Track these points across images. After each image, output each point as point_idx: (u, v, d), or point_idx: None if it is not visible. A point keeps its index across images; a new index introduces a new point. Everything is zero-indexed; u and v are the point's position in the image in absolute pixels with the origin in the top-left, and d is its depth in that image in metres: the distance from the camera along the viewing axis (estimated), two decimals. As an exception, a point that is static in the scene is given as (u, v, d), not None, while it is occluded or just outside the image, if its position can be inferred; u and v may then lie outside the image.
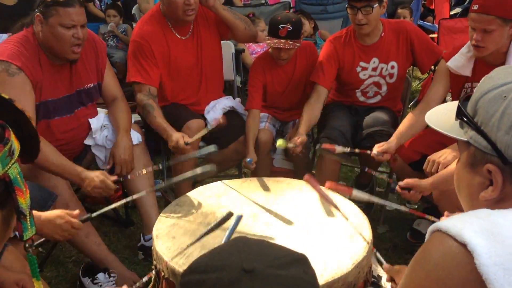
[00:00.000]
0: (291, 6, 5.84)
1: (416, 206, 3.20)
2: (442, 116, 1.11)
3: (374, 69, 2.83)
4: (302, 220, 1.84)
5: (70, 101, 2.54)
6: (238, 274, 0.74)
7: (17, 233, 1.05)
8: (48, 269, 2.64)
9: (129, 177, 2.51)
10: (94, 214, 1.94)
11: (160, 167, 2.55)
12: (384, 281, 1.76)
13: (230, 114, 3.01)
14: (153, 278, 1.75)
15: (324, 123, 2.88)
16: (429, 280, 0.90)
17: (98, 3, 6.08)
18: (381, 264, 1.67)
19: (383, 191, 3.18)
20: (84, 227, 2.39)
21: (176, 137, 2.56)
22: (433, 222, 1.37)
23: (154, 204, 2.64)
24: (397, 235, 2.90)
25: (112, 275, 2.40)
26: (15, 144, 1.00)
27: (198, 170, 2.01)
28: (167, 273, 1.61)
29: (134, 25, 4.66)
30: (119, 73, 4.62)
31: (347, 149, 2.50)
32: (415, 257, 0.96)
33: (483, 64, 2.42)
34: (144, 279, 1.73)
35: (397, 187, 2.20)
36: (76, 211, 1.87)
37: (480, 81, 1.02)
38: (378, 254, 1.73)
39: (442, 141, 2.42)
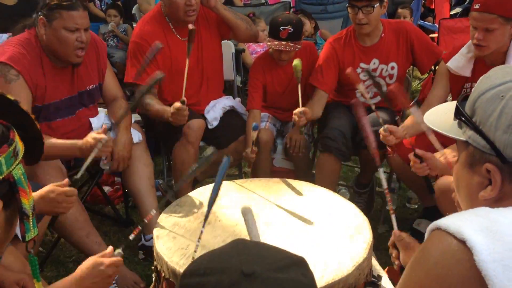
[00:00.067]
0: (291, 6, 5.84)
1: (416, 206, 3.21)
2: (440, 116, 1.12)
3: (374, 70, 2.83)
4: (302, 221, 1.84)
5: (72, 103, 2.54)
6: (237, 277, 0.74)
7: (18, 233, 1.06)
8: (48, 269, 2.64)
9: (146, 220, 2.48)
10: (78, 175, 1.89)
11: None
12: (384, 281, 1.76)
13: (230, 113, 3.02)
14: (153, 278, 1.76)
15: (324, 123, 2.88)
16: (429, 277, 0.90)
17: (99, 3, 6.08)
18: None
19: (383, 191, 3.18)
20: (84, 227, 2.40)
21: (172, 106, 2.54)
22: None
23: (154, 204, 2.64)
24: (397, 235, 2.89)
25: (112, 275, 2.40)
26: (20, 145, 1.01)
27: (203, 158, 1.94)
28: (168, 273, 1.61)
29: (134, 25, 4.66)
30: (119, 73, 4.62)
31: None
32: (414, 256, 0.96)
33: (483, 65, 2.42)
34: (131, 236, 1.66)
35: (411, 155, 2.07)
36: (65, 180, 1.81)
37: (478, 81, 1.02)
38: (393, 218, 1.69)
39: (441, 141, 2.41)
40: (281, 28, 2.75)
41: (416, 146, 2.59)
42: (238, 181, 2.20)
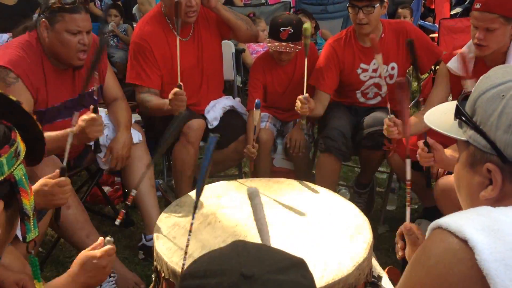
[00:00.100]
0: (292, 6, 5.84)
1: (416, 206, 3.21)
2: (441, 116, 1.12)
3: (375, 71, 2.83)
4: (302, 221, 1.84)
5: (73, 105, 2.54)
6: (237, 279, 0.74)
7: (18, 234, 1.06)
8: (48, 269, 2.64)
9: (128, 203, 2.46)
10: (64, 163, 1.81)
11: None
12: (384, 282, 1.76)
13: (230, 113, 3.02)
14: (153, 279, 1.75)
15: (324, 123, 2.88)
16: (429, 276, 0.90)
17: (99, 3, 6.09)
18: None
19: (383, 191, 3.18)
20: (84, 227, 2.40)
21: (169, 94, 2.53)
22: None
23: (155, 204, 2.64)
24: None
25: (112, 275, 2.40)
26: (21, 146, 1.01)
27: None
28: (168, 273, 1.61)
29: (134, 25, 4.66)
30: (119, 73, 4.62)
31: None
32: (415, 254, 0.96)
33: (483, 65, 2.42)
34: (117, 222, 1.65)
35: (420, 142, 2.02)
36: (55, 171, 1.78)
37: (478, 81, 1.02)
38: (408, 210, 1.66)
39: (442, 141, 2.42)
40: (281, 29, 2.75)
41: (416, 147, 2.60)
42: (238, 181, 2.20)
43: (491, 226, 0.88)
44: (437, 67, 2.76)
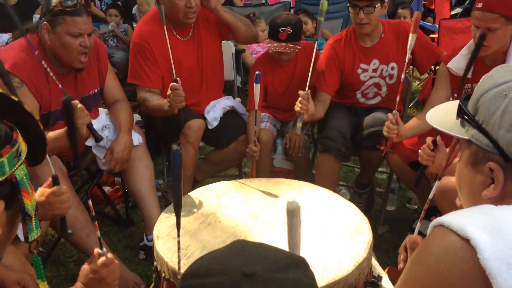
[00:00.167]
0: (292, 6, 5.84)
1: (416, 207, 3.21)
2: (443, 115, 1.12)
3: (375, 71, 2.83)
4: (302, 221, 1.84)
5: None
6: (238, 278, 0.74)
7: (19, 234, 1.06)
8: (48, 269, 2.64)
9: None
10: (53, 171, 1.73)
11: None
12: (384, 282, 1.76)
13: (230, 114, 3.02)
14: (154, 279, 1.76)
15: (324, 124, 2.89)
16: (429, 274, 0.90)
17: (99, 3, 6.09)
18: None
19: (383, 192, 3.19)
20: (84, 227, 2.40)
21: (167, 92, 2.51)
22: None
23: (155, 205, 2.64)
24: (397, 236, 2.90)
25: (112, 275, 2.40)
26: (23, 146, 1.01)
27: None
28: (168, 273, 1.61)
29: (134, 25, 4.66)
30: (119, 73, 4.63)
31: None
32: (416, 252, 0.96)
33: (483, 65, 2.42)
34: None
35: (429, 138, 2.02)
36: (48, 180, 1.72)
37: (480, 80, 1.02)
38: (418, 224, 1.63)
39: (443, 141, 2.42)
40: (280, 29, 2.75)
41: (413, 150, 2.61)
42: (238, 181, 2.21)
43: (493, 224, 0.87)
44: (437, 67, 2.76)
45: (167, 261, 1.61)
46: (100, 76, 2.63)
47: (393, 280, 1.77)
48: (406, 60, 2.45)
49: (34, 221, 1.05)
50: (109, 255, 1.47)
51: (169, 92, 2.49)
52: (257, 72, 2.35)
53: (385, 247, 2.81)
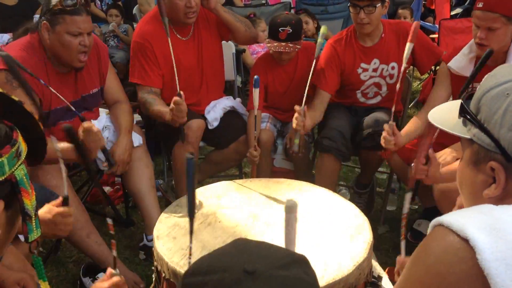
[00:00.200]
0: (292, 6, 5.84)
1: (417, 207, 3.21)
2: (445, 114, 1.12)
3: (375, 70, 2.83)
4: (302, 221, 1.84)
5: (76, 107, 2.54)
6: (240, 275, 0.74)
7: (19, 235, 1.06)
8: (48, 269, 2.64)
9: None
10: (65, 191, 1.70)
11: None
12: (384, 282, 1.76)
13: (230, 114, 3.02)
14: (154, 279, 1.76)
15: (323, 124, 2.89)
16: (429, 274, 0.90)
17: (99, 3, 6.09)
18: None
19: (383, 191, 3.19)
20: (84, 227, 2.40)
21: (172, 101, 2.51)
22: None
23: (155, 205, 2.65)
24: (397, 236, 2.89)
25: (112, 275, 2.40)
26: (22, 146, 1.01)
27: None
28: (168, 274, 1.61)
29: (135, 26, 4.66)
30: (120, 73, 4.62)
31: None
32: (415, 251, 0.96)
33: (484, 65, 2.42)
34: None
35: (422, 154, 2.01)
36: (58, 199, 1.71)
37: (483, 79, 1.02)
38: (403, 244, 1.63)
39: (442, 141, 2.42)
40: (280, 29, 2.75)
41: (416, 148, 2.60)
42: (238, 181, 2.21)
43: (493, 225, 0.87)
44: (437, 67, 2.76)
45: (167, 261, 1.61)
46: (101, 75, 2.64)
47: (393, 280, 1.77)
48: (402, 69, 2.46)
49: (34, 221, 1.05)
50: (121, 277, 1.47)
51: (172, 106, 2.49)
52: (255, 77, 2.35)
53: (385, 247, 2.81)
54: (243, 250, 0.80)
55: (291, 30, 2.75)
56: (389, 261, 2.54)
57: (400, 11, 5.52)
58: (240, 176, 3.26)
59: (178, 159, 2.82)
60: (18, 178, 0.99)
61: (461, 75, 2.48)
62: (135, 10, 5.64)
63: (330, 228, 1.78)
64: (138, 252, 2.74)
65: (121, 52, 5.23)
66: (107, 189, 3.32)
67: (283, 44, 2.76)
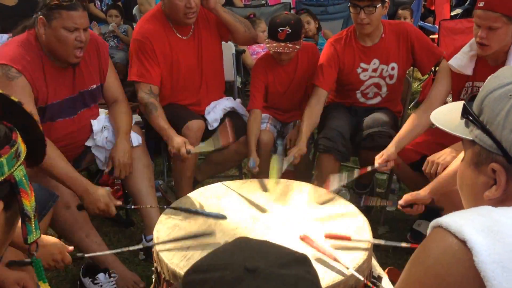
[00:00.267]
0: (292, 7, 5.84)
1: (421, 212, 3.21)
2: (447, 115, 1.12)
3: (375, 70, 2.83)
4: (302, 221, 1.84)
5: (74, 103, 2.54)
6: (241, 273, 0.74)
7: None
8: (48, 269, 2.64)
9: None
10: (87, 255, 1.89)
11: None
12: (384, 282, 1.76)
13: (230, 115, 3.02)
14: (153, 280, 1.76)
15: (323, 124, 2.89)
16: (428, 275, 0.90)
17: (99, 3, 6.09)
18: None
19: (383, 192, 3.18)
20: (84, 227, 2.40)
21: (178, 143, 2.58)
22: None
23: (155, 205, 2.64)
24: (397, 236, 2.90)
25: (112, 275, 2.40)
26: (22, 147, 1.01)
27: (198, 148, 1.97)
28: (168, 275, 1.61)
29: (134, 26, 4.66)
30: (120, 73, 4.60)
31: (343, 182, 2.32)
32: (415, 253, 0.96)
33: (484, 64, 2.42)
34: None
35: (398, 206, 2.16)
36: (71, 247, 1.82)
37: (486, 80, 1.02)
38: None
39: (441, 141, 2.42)
40: (279, 29, 2.75)
41: (413, 150, 2.61)
42: (238, 181, 2.21)
43: (491, 227, 0.87)
44: (437, 68, 2.76)
45: (167, 262, 1.61)
46: (101, 72, 2.63)
47: (393, 281, 1.77)
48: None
49: (33, 222, 1.04)
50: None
51: (176, 151, 2.58)
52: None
53: (385, 248, 2.80)
54: (244, 248, 0.80)
55: (290, 31, 2.75)
56: (389, 262, 2.54)
57: (400, 11, 5.52)
58: (240, 177, 3.26)
59: (177, 160, 2.82)
60: (17, 179, 0.99)
61: (461, 73, 2.48)
62: (134, 11, 5.64)
63: (330, 229, 1.78)
64: (137, 253, 2.74)
65: (121, 53, 5.22)
66: (107, 189, 3.31)
67: (282, 44, 2.76)
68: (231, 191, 2.08)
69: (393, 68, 2.83)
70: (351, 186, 3.30)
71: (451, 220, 0.91)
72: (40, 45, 2.38)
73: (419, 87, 5.56)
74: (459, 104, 1.06)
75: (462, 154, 1.08)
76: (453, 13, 6.31)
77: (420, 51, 2.80)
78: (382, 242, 1.82)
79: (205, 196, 2.05)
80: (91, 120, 2.64)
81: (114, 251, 1.96)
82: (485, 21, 2.28)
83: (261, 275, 0.74)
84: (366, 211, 2.92)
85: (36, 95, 2.36)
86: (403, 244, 1.82)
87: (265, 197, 2.03)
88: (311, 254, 1.72)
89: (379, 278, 1.77)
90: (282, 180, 2.19)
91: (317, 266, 1.54)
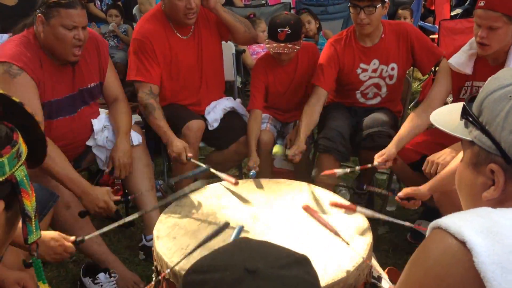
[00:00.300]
0: (292, 6, 5.84)
1: (417, 207, 3.21)
2: (447, 116, 1.12)
3: (374, 71, 2.83)
4: (302, 221, 1.84)
5: (73, 101, 2.54)
6: (241, 274, 0.74)
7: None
8: (48, 269, 2.64)
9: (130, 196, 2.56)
10: (87, 237, 1.86)
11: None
12: (384, 282, 1.76)
13: (230, 115, 3.02)
14: (154, 279, 1.76)
15: (323, 124, 2.89)
16: (427, 277, 0.90)
17: (99, 3, 6.09)
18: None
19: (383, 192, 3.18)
20: (84, 227, 2.40)
21: (178, 148, 2.59)
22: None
23: (155, 205, 2.64)
24: (397, 236, 2.90)
25: (112, 275, 2.41)
26: (23, 147, 1.01)
27: (189, 188, 2.04)
28: (168, 274, 1.61)
29: (134, 26, 4.66)
30: (120, 73, 4.60)
31: (347, 170, 2.47)
32: (415, 253, 0.96)
33: (484, 63, 2.42)
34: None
35: (397, 198, 2.21)
36: (72, 238, 1.82)
37: (486, 82, 1.02)
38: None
39: (441, 141, 2.42)
40: (279, 30, 2.75)
41: (413, 150, 2.61)
42: (238, 181, 2.21)
43: (490, 228, 0.88)
44: (437, 68, 2.76)
45: (167, 261, 1.61)
46: (100, 70, 2.63)
47: (393, 281, 1.77)
48: None
49: (34, 222, 1.04)
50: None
51: (176, 155, 2.60)
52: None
53: (385, 247, 2.81)
54: (244, 249, 0.80)
55: (290, 31, 2.75)
56: (389, 262, 2.55)
57: (400, 11, 5.52)
58: (240, 177, 3.26)
59: (177, 163, 2.82)
60: (18, 179, 0.99)
61: (461, 72, 2.48)
62: (135, 10, 5.64)
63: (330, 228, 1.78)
64: (137, 253, 2.74)
65: (121, 52, 5.23)
66: (107, 189, 3.31)
67: (282, 45, 2.76)
68: (230, 190, 2.08)
69: (393, 69, 2.83)
70: (351, 186, 3.30)
71: (450, 221, 0.91)
72: (39, 43, 2.38)
73: (419, 87, 5.56)
74: (459, 105, 1.06)
75: (461, 154, 1.08)
76: (453, 13, 6.31)
77: (420, 51, 2.80)
78: (385, 217, 1.89)
79: (205, 196, 2.05)
80: (92, 120, 2.64)
81: (105, 228, 1.95)
82: (485, 20, 2.28)
83: (261, 276, 0.74)
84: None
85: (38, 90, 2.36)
86: (407, 224, 1.90)
87: (265, 196, 2.03)
88: (312, 225, 1.76)
89: (379, 278, 1.77)
90: (282, 180, 2.19)
91: (317, 265, 1.54)
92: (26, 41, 2.37)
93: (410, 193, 2.16)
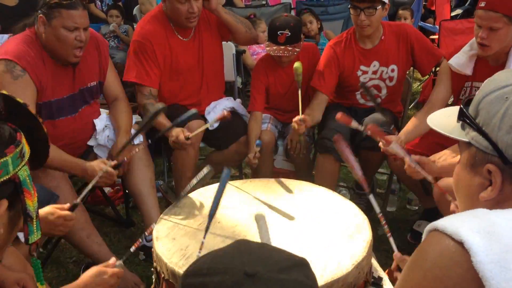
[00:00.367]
0: (292, 7, 5.84)
1: (417, 208, 3.21)
2: (444, 118, 1.13)
3: (375, 73, 2.83)
4: (302, 220, 1.84)
5: (74, 101, 2.54)
6: (240, 278, 0.74)
7: (20, 235, 1.06)
8: (49, 270, 2.65)
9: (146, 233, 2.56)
10: (78, 199, 1.88)
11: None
12: (385, 283, 1.76)
13: (230, 115, 3.02)
14: (153, 280, 1.76)
15: (323, 124, 2.89)
16: (426, 279, 0.90)
17: (99, 3, 6.10)
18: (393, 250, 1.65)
19: (383, 192, 3.18)
20: (84, 228, 2.40)
21: (176, 131, 2.58)
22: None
23: (155, 205, 2.65)
24: (397, 236, 2.88)
25: (112, 275, 2.40)
26: (26, 148, 1.02)
27: (196, 178, 2.01)
28: (167, 274, 1.61)
29: (135, 26, 4.67)
30: (120, 73, 4.61)
31: (361, 127, 2.28)
32: (412, 256, 0.97)
33: (484, 64, 2.42)
34: (132, 249, 1.77)
35: (407, 159, 2.08)
36: (67, 204, 1.82)
37: (483, 83, 1.03)
38: (391, 240, 1.67)
39: (441, 142, 2.42)
40: (278, 32, 2.76)
41: (418, 148, 2.61)
42: (238, 181, 2.21)
43: (487, 228, 0.88)
44: (437, 69, 2.77)
45: (166, 262, 1.61)
46: (101, 69, 2.63)
47: (394, 282, 1.77)
48: None
49: (35, 222, 1.05)
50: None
51: (175, 139, 2.59)
52: (258, 141, 2.56)
53: (385, 248, 2.80)
54: (244, 252, 0.80)
55: (289, 33, 2.75)
56: (389, 262, 2.52)
57: (400, 12, 5.52)
58: (240, 177, 3.27)
59: (178, 160, 2.82)
60: (21, 179, 1.00)
61: (461, 73, 2.48)
62: (135, 11, 5.65)
63: (330, 227, 1.78)
64: (137, 253, 2.74)
65: (121, 53, 5.23)
66: (107, 189, 3.32)
67: (282, 47, 2.76)
68: (230, 190, 2.08)
69: (393, 70, 2.83)
70: (351, 186, 3.31)
71: (447, 222, 0.92)
72: (41, 43, 2.39)
73: (419, 87, 5.56)
74: (456, 108, 1.07)
75: None
76: (453, 14, 6.31)
77: (419, 52, 2.80)
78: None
79: (205, 196, 2.05)
80: (94, 120, 2.65)
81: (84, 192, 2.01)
82: (486, 21, 2.28)
83: (261, 280, 0.75)
84: (367, 211, 2.93)
85: (39, 89, 2.36)
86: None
87: (265, 196, 2.03)
88: (312, 224, 1.79)
89: (379, 279, 1.77)
90: (283, 179, 2.19)
91: (316, 264, 1.54)
92: (29, 40, 2.38)
93: (423, 160, 2.09)
